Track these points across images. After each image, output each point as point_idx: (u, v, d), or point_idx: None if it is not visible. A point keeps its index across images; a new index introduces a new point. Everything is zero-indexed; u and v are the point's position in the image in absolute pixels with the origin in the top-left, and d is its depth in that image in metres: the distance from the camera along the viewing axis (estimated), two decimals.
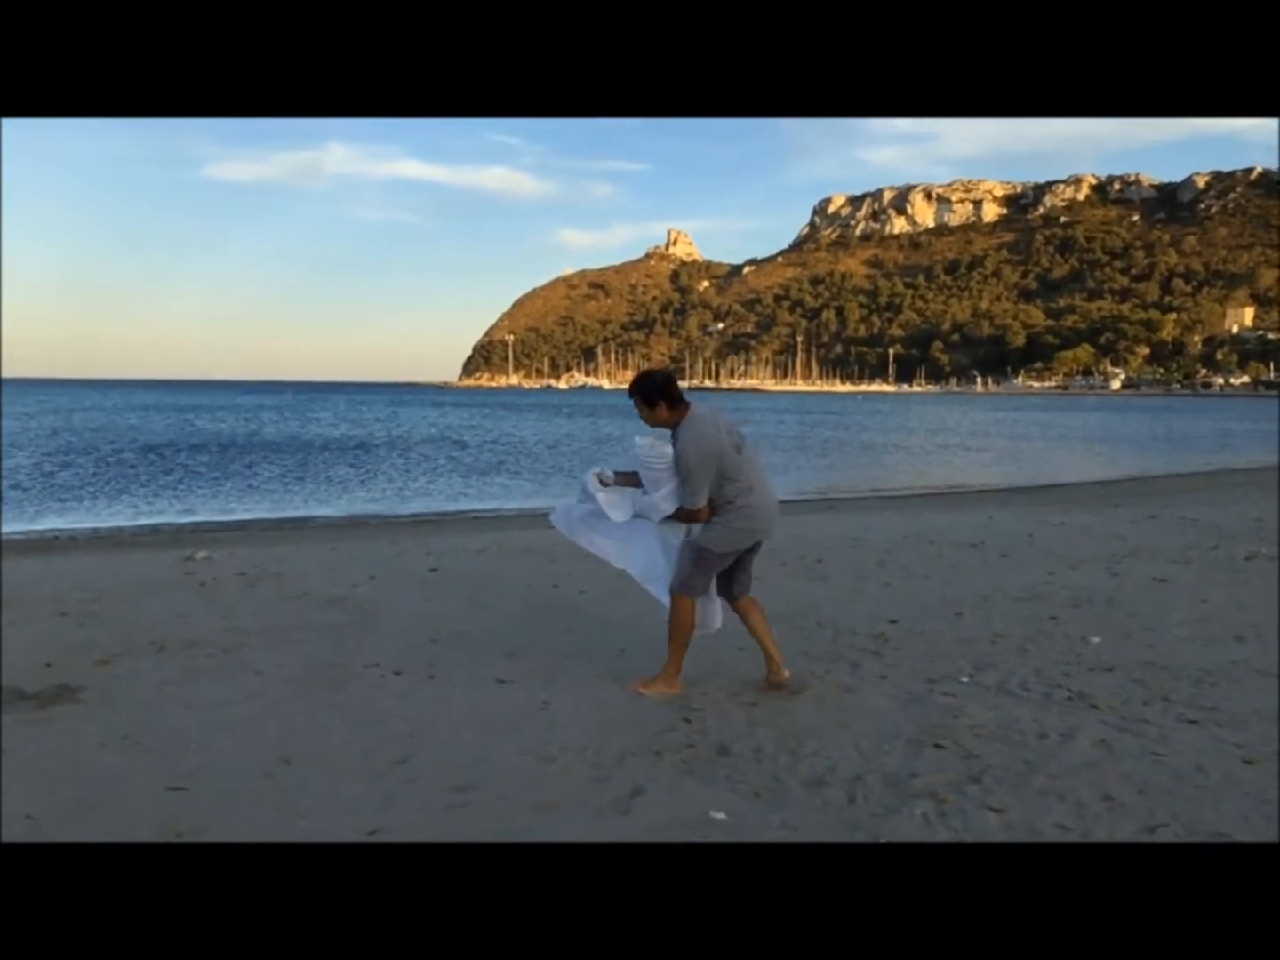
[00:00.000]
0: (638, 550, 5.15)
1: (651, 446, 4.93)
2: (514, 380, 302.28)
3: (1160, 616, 6.80)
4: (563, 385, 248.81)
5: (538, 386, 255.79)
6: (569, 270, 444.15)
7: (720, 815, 3.67)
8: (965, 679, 5.35)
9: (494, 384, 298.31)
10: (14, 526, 13.67)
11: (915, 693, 5.09)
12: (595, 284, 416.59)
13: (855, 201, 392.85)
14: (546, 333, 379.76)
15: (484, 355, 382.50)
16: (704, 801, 3.80)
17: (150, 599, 7.05)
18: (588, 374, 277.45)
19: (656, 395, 4.91)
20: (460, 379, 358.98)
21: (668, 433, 5.02)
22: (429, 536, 11.04)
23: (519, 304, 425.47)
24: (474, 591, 7.48)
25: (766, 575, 8.16)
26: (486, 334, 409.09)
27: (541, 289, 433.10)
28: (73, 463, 25.38)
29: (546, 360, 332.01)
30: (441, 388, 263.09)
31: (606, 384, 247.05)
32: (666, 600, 5.07)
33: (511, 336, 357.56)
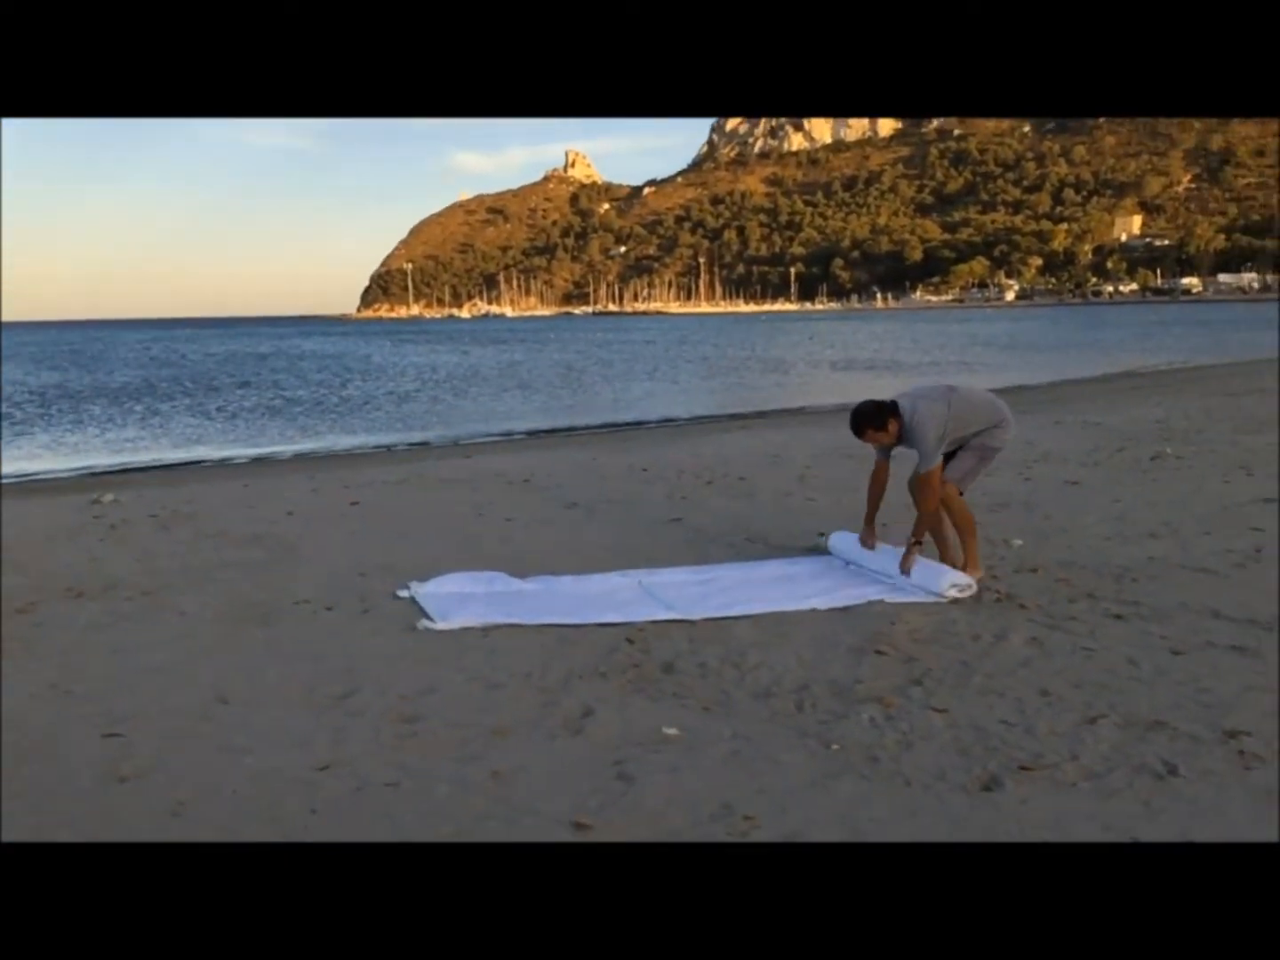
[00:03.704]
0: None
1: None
2: (415, 310, 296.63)
3: (1076, 518, 6.99)
4: (465, 314, 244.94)
5: (440, 316, 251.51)
6: (466, 195, 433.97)
7: (672, 730, 3.68)
8: None
9: (394, 315, 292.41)
10: None
11: (852, 602, 5.15)
12: (494, 209, 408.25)
13: (753, 119, 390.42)
14: (446, 260, 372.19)
15: (382, 285, 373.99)
16: (654, 718, 3.81)
17: (61, 544, 6.79)
18: (490, 302, 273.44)
19: (884, 417, 5.41)
20: (359, 310, 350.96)
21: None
22: (342, 470, 10.82)
23: (416, 231, 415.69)
24: (398, 524, 7.36)
25: (692, 494, 8.20)
26: (384, 264, 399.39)
27: (438, 215, 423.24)
28: None
29: (447, 289, 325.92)
30: (340, 320, 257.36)
31: (510, 311, 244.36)
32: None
33: (410, 265, 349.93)
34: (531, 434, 16.00)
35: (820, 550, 6.18)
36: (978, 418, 5.50)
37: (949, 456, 5.51)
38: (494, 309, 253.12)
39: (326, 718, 3.86)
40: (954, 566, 5.42)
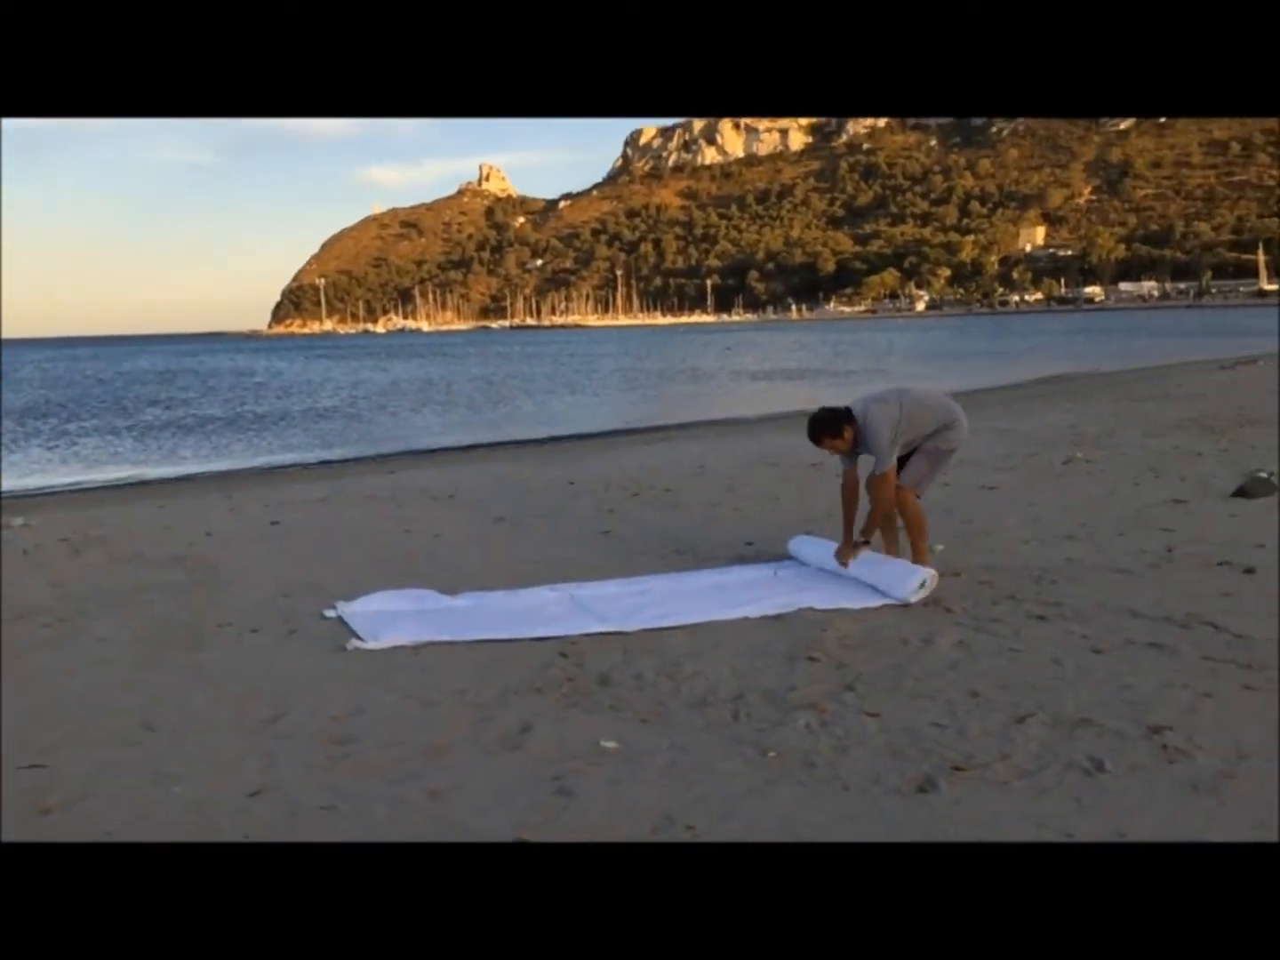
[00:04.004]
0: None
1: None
2: (328, 325, 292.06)
3: (995, 522, 7.14)
4: (380, 329, 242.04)
5: (354, 331, 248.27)
6: (379, 209, 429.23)
7: (611, 744, 3.68)
8: None
9: (307, 330, 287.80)
10: None
11: (784, 610, 5.19)
12: (407, 223, 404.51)
13: (666, 133, 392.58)
14: (359, 275, 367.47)
15: (294, 300, 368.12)
16: (592, 731, 3.80)
17: None
18: (406, 316, 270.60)
19: (840, 425, 5.50)
20: (270, 326, 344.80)
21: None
22: (261, 489, 10.63)
23: (328, 246, 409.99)
24: (322, 542, 7.25)
25: (619, 507, 8.22)
26: (295, 278, 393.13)
27: (351, 229, 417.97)
28: None
29: (361, 303, 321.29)
30: (251, 336, 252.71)
31: (426, 326, 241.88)
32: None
33: (322, 280, 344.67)
34: (454, 449, 15.82)
35: (749, 559, 6.23)
36: (930, 418, 5.64)
37: (904, 460, 5.63)
38: (409, 324, 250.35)
39: (256, 742, 3.78)
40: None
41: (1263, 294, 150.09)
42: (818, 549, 5.97)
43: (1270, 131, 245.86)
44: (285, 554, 6.90)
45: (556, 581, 5.85)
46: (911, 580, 5.27)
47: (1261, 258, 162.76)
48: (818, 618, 5.06)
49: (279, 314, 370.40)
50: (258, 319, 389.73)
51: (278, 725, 3.93)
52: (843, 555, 5.72)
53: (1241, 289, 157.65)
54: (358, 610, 5.29)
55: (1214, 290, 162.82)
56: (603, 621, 5.06)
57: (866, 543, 5.59)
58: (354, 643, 4.82)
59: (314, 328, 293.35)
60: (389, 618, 5.13)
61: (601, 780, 3.39)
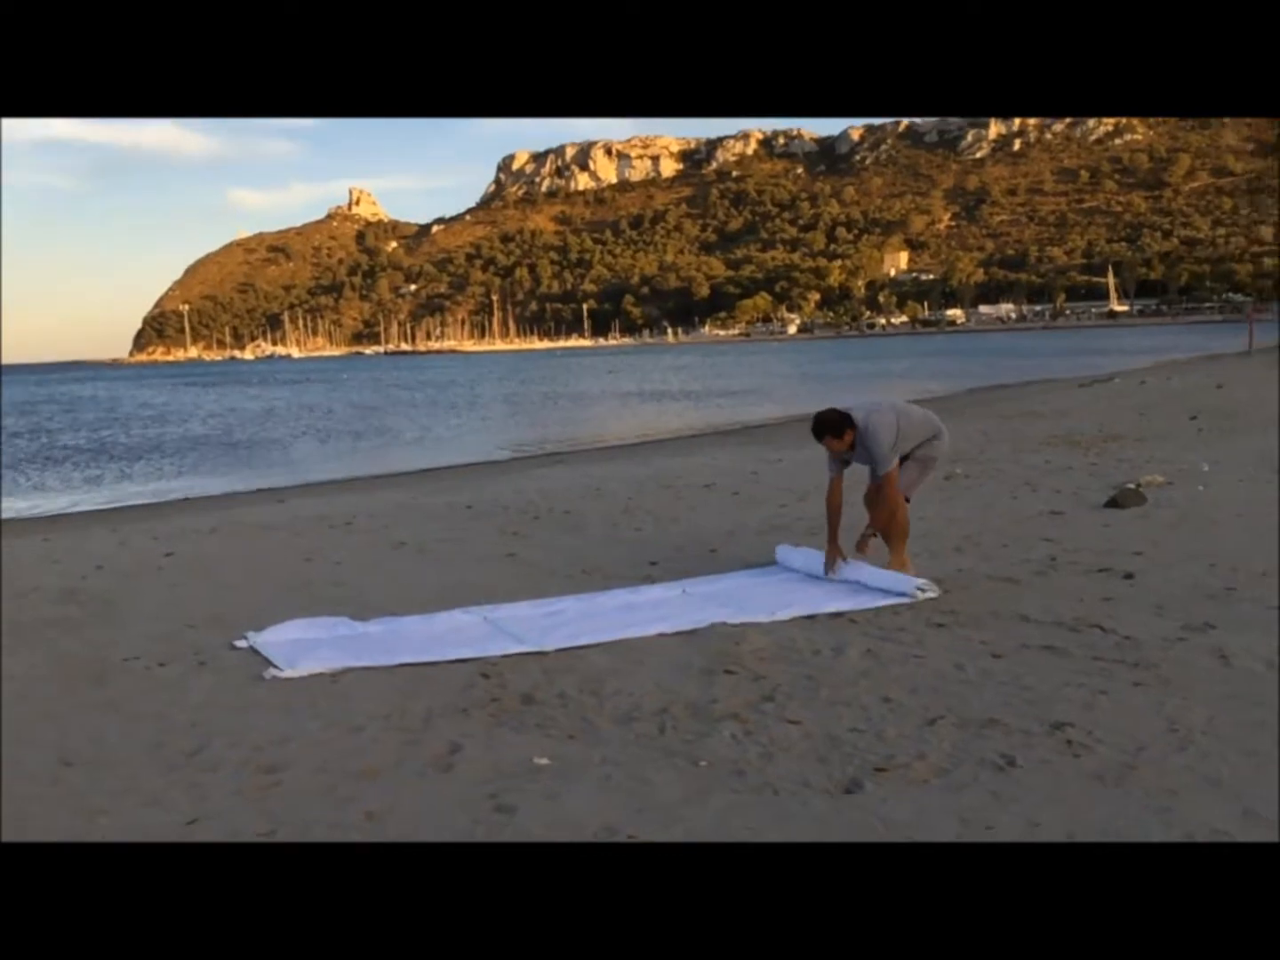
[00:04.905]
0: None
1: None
2: (193, 353, 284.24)
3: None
4: (249, 355, 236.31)
5: (221, 358, 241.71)
6: (245, 233, 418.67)
7: (543, 760, 3.74)
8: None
9: (170, 358, 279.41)
10: None
11: (696, 626, 5.32)
12: (275, 247, 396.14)
13: (539, 158, 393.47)
14: (225, 301, 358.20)
15: (156, 328, 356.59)
16: (522, 749, 3.85)
17: None
18: (275, 343, 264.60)
19: (843, 426, 5.85)
20: (132, 354, 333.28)
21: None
22: (147, 521, 10.34)
23: (192, 271, 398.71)
24: (221, 573, 7.11)
25: (522, 530, 8.26)
26: (157, 305, 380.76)
27: (215, 254, 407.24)
28: None
29: (228, 330, 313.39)
30: (111, 365, 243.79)
31: (296, 352, 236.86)
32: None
33: (186, 306, 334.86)
34: (349, 479, 15.52)
35: (657, 579, 6.35)
36: (918, 431, 6.09)
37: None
38: (279, 350, 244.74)
39: (181, 774, 3.73)
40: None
41: (1113, 314, 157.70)
42: (806, 557, 6.32)
43: (1116, 159, 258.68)
44: (183, 586, 6.75)
45: (467, 605, 5.88)
46: (912, 583, 5.65)
47: (1111, 280, 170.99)
48: (731, 632, 5.20)
49: (141, 341, 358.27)
50: (118, 347, 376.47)
51: (201, 756, 3.88)
52: (830, 562, 6.06)
53: (1094, 310, 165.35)
54: (270, 640, 5.23)
55: (1068, 312, 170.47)
56: (520, 642, 5.11)
57: (875, 535, 6.05)
58: (271, 672, 4.78)
59: (178, 355, 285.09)
60: (305, 645, 5.10)
61: (539, 795, 3.45)
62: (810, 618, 5.39)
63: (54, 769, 3.77)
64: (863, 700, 4.21)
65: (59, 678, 4.83)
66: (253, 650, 5.16)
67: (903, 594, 5.60)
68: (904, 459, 6.07)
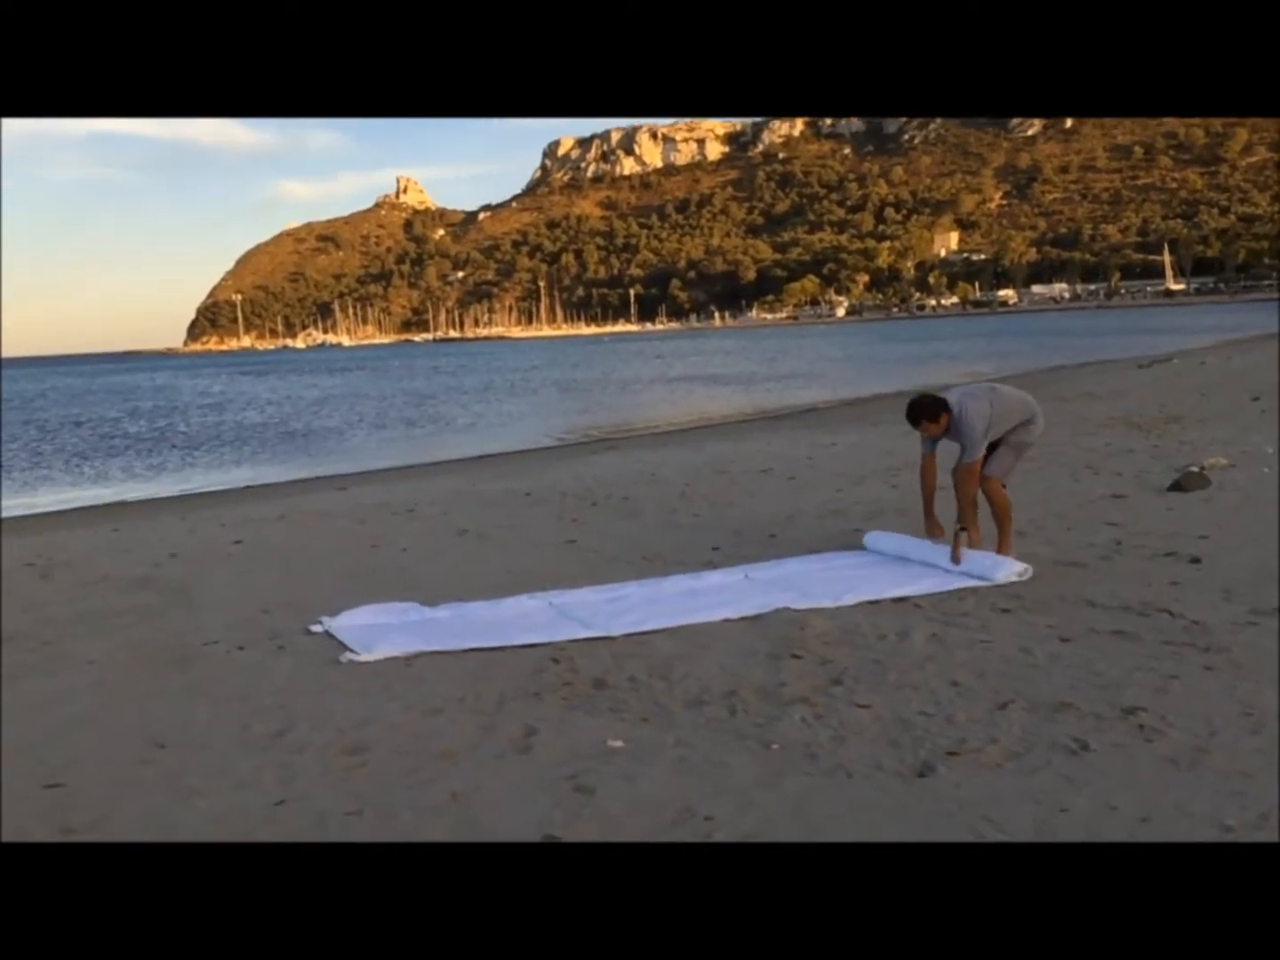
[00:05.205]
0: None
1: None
2: (246, 342, 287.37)
3: (951, 519, 7.38)
4: (300, 344, 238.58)
5: (273, 347, 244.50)
6: (294, 224, 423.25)
7: (618, 743, 3.82)
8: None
9: (224, 347, 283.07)
10: None
11: (761, 611, 5.37)
12: (324, 236, 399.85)
13: (584, 144, 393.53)
14: (276, 290, 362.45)
15: (209, 317, 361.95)
16: (597, 732, 3.94)
17: None
18: (325, 331, 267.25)
19: (938, 411, 5.96)
20: (186, 344, 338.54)
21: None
22: (214, 509, 10.56)
23: (244, 261, 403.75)
24: (290, 560, 7.28)
25: (581, 516, 8.35)
26: (210, 295, 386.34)
27: (267, 244, 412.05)
28: None
29: (280, 319, 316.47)
30: (166, 354, 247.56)
31: (347, 340, 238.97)
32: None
33: (239, 296, 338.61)
34: (409, 467, 15.68)
35: (718, 565, 6.40)
36: (1014, 414, 6.09)
37: (989, 451, 6.06)
38: (330, 338, 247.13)
39: (269, 755, 3.86)
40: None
41: (1169, 294, 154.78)
42: (897, 540, 6.41)
43: (1171, 135, 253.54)
44: (255, 572, 6.92)
45: (532, 591, 5.97)
46: (1007, 567, 5.70)
47: (1167, 258, 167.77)
48: (795, 617, 5.24)
49: (195, 331, 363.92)
50: (173, 337, 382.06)
51: (287, 739, 4.01)
52: (930, 531, 6.20)
53: (1149, 289, 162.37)
54: (345, 624, 5.36)
55: (1123, 291, 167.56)
56: (587, 627, 5.19)
57: (964, 529, 6.00)
58: (348, 655, 4.90)
59: (231, 345, 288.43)
60: (378, 630, 5.22)
61: (616, 777, 3.53)
62: (874, 603, 5.43)
63: (146, 751, 3.91)
64: (931, 684, 4.24)
65: (141, 662, 4.98)
66: (328, 635, 5.29)
67: (984, 577, 5.62)
68: (997, 444, 6.09)
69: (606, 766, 3.62)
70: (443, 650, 4.95)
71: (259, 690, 4.55)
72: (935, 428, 6.03)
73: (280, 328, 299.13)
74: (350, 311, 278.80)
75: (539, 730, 3.98)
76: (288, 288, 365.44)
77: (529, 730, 3.98)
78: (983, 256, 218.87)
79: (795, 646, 4.80)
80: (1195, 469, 8.40)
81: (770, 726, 3.91)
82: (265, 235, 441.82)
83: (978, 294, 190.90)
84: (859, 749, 3.66)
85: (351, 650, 4.96)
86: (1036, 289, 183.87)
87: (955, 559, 5.88)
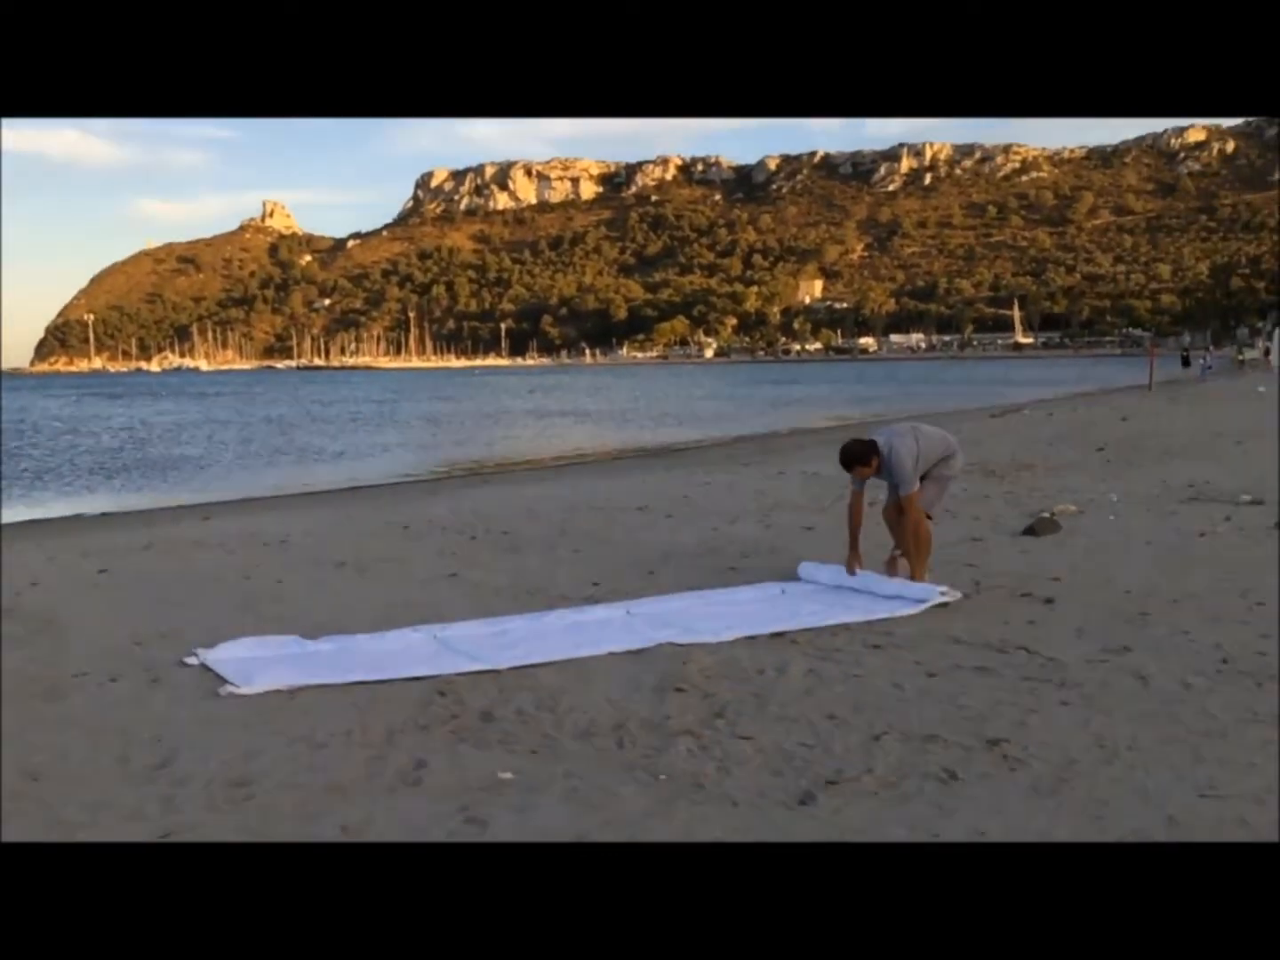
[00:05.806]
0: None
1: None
2: (97, 364, 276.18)
3: (818, 559, 7.65)
4: (155, 367, 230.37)
5: (126, 369, 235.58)
6: (154, 243, 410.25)
7: (508, 775, 3.87)
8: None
9: (74, 368, 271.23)
10: None
11: (644, 645, 5.48)
12: (185, 258, 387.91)
13: (458, 176, 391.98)
14: (132, 311, 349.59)
15: (59, 337, 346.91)
16: (486, 764, 3.98)
17: None
18: (183, 354, 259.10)
19: (869, 455, 6.38)
20: (33, 364, 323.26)
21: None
22: (74, 537, 10.19)
23: (97, 280, 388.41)
24: (161, 589, 7.09)
25: (461, 550, 8.36)
26: (61, 314, 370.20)
27: (123, 264, 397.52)
28: None
29: (134, 341, 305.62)
30: (11, 374, 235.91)
31: (205, 365, 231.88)
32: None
33: (91, 316, 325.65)
34: (268, 498, 15.35)
35: (599, 599, 6.50)
36: (936, 450, 6.58)
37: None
38: (187, 362, 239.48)
39: (152, 788, 3.79)
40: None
41: (1018, 346, 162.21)
42: (829, 570, 6.75)
43: (1023, 195, 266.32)
44: (124, 603, 6.73)
45: (415, 624, 5.97)
46: (935, 590, 6.08)
47: (1017, 313, 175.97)
48: (677, 652, 5.37)
49: (43, 351, 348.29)
50: (19, 357, 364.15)
51: (169, 770, 3.93)
52: (851, 564, 6.57)
53: (999, 342, 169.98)
54: (222, 657, 5.27)
55: (975, 343, 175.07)
56: (473, 660, 5.23)
57: (903, 555, 6.46)
58: (228, 688, 4.83)
59: (82, 366, 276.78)
60: (258, 663, 5.15)
61: (508, 808, 3.58)
62: (752, 638, 5.60)
63: (19, 784, 3.79)
64: (809, 717, 4.42)
65: (8, 693, 4.80)
66: (204, 667, 5.19)
67: (916, 599, 6.04)
68: (922, 478, 6.49)
69: (498, 798, 3.67)
70: (327, 683, 4.91)
71: (136, 722, 4.45)
72: (867, 470, 6.44)
73: (135, 350, 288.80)
74: (210, 335, 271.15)
75: (428, 763, 4.00)
76: (144, 309, 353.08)
77: (418, 763, 4.00)
78: (845, 305, 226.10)
79: (679, 680, 4.93)
80: (1046, 515, 8.89)
81: (657, 758, 4.02)
82: (121, 254, 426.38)
83: (840, 341, 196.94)
84: (743, 779, 3.80)
85: (231, 683, 4.89)
86: (895, 338, 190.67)
87: (851, 569, 6.49)
